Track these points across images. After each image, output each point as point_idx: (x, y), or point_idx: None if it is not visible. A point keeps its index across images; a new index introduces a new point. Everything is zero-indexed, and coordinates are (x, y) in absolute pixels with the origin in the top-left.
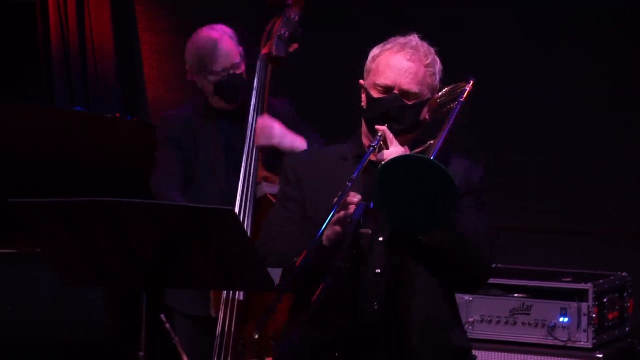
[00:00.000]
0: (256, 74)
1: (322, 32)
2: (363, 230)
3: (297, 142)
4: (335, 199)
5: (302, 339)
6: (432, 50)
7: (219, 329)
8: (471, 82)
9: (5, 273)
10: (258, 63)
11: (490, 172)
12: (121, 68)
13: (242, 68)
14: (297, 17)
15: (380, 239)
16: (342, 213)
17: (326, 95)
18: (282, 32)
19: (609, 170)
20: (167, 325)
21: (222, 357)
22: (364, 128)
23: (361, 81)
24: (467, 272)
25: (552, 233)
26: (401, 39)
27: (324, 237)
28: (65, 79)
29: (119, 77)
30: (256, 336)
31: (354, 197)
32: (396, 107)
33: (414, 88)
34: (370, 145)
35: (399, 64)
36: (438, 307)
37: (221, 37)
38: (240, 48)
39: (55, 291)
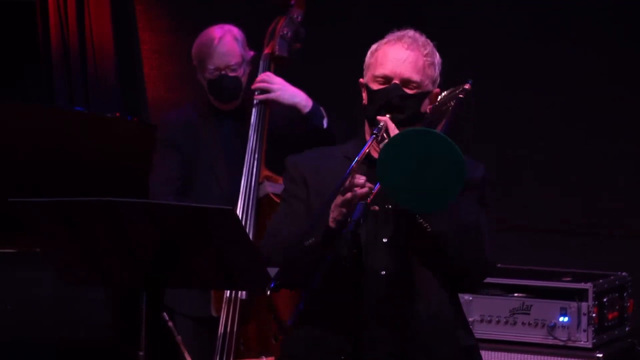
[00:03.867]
0: (259, 74)
1: (322, 32)
2: (372, 207)
3: (299, 97)
4: (341, 181)
5: (306, 341)
6: (429, 42)
7: (221, 329)
8: (469, 83)
9: (5, 273)
10: (260, 62)
11: (490, 172)
12: (121, 68)
13: (241, 72)
14: (300, 17)
15: (384, 240)
16: (349, 195)
17: (326, 95)
18: (285, 32)
19: (609, 170)
20: (170, 323)
21: (224, 357)
22: (366, 127)
23: (361, 79)
24: (470, 266)
25: (552, 233)
26: (398, 32)
27: (331, 219)
28: (65, 79)
29: (119, 77)
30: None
31: (359, 179)
32: (397, 97)
33: (414, 76)
34: (372, 134)
35: (397, 53)
36: (442, 308)
37: (222, 37)
38: (250, 53)
39: (55, 291)
